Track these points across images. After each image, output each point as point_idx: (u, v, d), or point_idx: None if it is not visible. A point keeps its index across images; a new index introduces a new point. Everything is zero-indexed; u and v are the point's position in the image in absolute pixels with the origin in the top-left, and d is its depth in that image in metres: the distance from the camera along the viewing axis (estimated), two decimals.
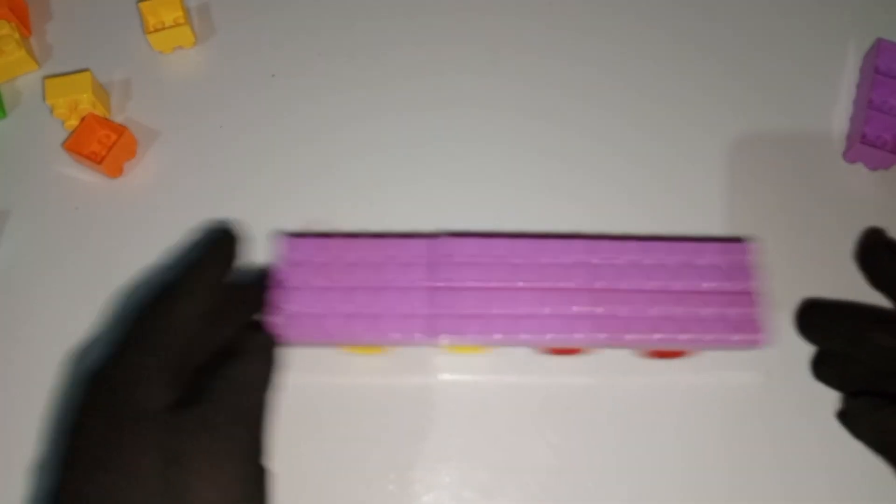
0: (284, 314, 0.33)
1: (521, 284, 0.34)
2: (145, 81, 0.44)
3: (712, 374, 0.37)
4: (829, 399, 0.35)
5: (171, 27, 0.43)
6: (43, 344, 0.37)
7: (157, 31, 0.43)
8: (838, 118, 0.42)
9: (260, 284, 0.34)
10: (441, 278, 0.34)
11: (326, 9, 0.45)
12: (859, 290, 0.37)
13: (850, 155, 0.41)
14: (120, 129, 0.40)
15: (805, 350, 0.36)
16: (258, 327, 0.33)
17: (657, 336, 0.33)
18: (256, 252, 0.39)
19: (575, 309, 0.34)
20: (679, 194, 0.40)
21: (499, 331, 0.33)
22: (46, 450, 0.35)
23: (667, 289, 0.34)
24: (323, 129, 0.42)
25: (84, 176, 0.41)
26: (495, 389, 0.36)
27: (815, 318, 0.34)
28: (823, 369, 0.35)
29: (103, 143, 0.40)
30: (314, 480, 0.34)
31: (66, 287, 0.38)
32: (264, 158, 0.41)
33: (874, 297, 0.36)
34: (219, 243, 0.32)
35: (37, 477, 0.35)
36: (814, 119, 0.42)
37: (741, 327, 0.33)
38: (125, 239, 0.40)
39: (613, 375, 0.36)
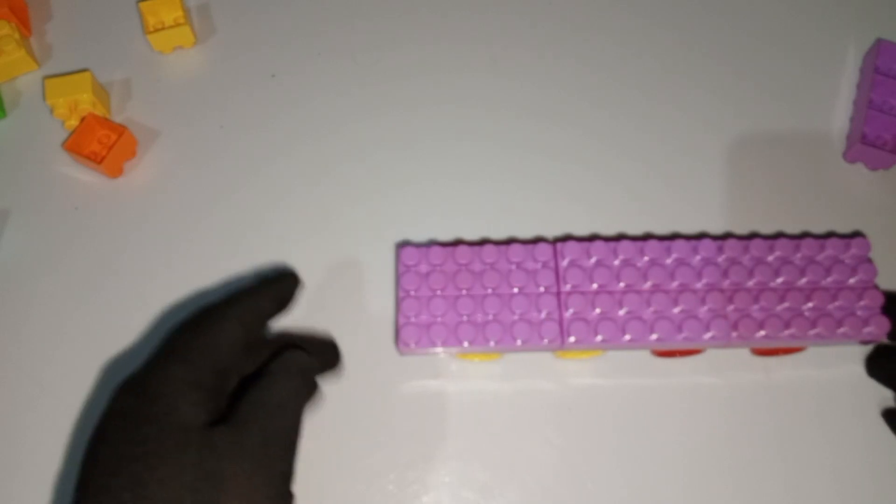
0: (413, 324, 0.34)
1: (649, 286, 0.35)
2: (145, 81, 0.44)
3: (714, 372, 0.37)
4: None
5: (171, 27, 0.43)
6: (43, 343, 0.37)
7: (157, 31, 0.43)
8: (839, 118, 0.42)
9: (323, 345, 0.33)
10: (569, 282, 0.34)
11: (326, 9, 0.45)
12: None
13: (850, 155, 0.41)
14: (120, 130, 0.40)
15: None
16: (292, 348, 0.32)
17: (788, 332, 0.34)
18: (256, 251, 0.39)
19: (705, 308, 0.34)
20: (679, 193, 0.40)
21: (629, 332, 0.34)
22: (66, 452, 0.35)
23: (793, 285, 0.35)
24: (323, 129, 0.42)
25: (84, 176, 0.41)
26: (495, 390, 0.36)
27: (888, 309, 0.34)
28: (878, 366, 0.35)
29: (103, 143, 0.40)
30: (315, 480, 0.34)
31: (65, 286, 0.39)
32: (264, 159, 0.41)
33: None
34: (281, 282, 0.32)
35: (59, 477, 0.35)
36: (814, 119, 0.42)
37: (868, 322, 0.34)
38: (125, 239, 0.40)
39: (614, 376, 0.36)
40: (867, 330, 0.34)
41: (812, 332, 0.34)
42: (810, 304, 0.34)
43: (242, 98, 0.43)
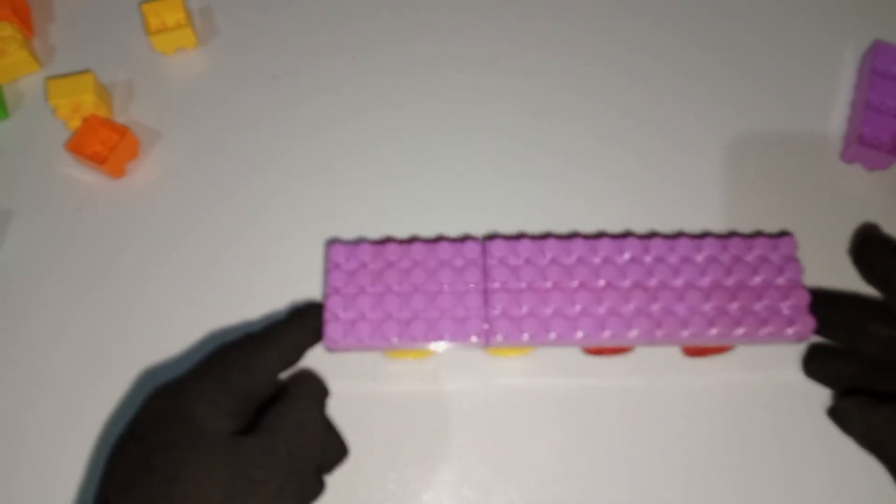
0: (341, 321, 0.34)
1: (575, 284, 0.35)
2: (147, 82, 0.44)
3: (715, 375, 0.37)
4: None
5: (173, 28, 0.43)
6: (44, 343, 0.37)
7: (159, 32, 0.43)
8: (836, 119, 0.43)
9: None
10: (495, 280, 0.34)
11: (328, 10, 0.46)
12: (857, 288, 0.37)
13: (847, 155, 0.41)
14: (122, 130, 0.40)
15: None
16: (308, 375, 0.34)
17: (713, 331, 0.34)
18: (256, 251, 0.39)
19: (631, 307, 0.34)
20: (678, 193, 0.41)
21: (554, 330, 0.34)
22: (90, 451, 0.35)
23: (720, 284, 0.35)
24: (325, 130, 0.42)
25: (86, 176, 0.41)
26: (495, 389, 0.36)
27: (815, 308, 0.35)
28: (814, 367, 0.35)
29: (106, 144, 0.40)
30: None
31: (68, 287, 0.39)
32: (266, 159, 0.42)
33: (877, 295, 0.36)
34: (316, 315, 0.34)
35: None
36: (812, 119, 0.43)
37: (794, 321, 0.34)
38: (127, 239, 0.40)
39: (614, 375, 0.37)
40: (793, 329, 0.34)
41: (738, 332, 0.34)
42: (736, 304, 0.34)
43: (244, 99, 0.43)
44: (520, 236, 0.37)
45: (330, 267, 0.35)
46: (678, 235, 0.36)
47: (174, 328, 0.38)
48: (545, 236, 0.36)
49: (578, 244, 0.35)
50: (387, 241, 0.36)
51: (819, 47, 0.45)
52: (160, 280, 0.39)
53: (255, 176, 0.41)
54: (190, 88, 0.44)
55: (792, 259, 0.35)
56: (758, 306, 0.34)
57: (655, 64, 0.44)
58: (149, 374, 0.37)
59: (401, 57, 0.44)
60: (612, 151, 0.42)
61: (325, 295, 0.34)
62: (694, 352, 0.36)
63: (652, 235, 0.36)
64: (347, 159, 0.42)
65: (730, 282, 0.35)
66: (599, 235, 0.36)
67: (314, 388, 0.32)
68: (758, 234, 0.37)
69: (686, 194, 0.41)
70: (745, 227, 0.39)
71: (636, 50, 0.44)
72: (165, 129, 0.42)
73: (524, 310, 0.34)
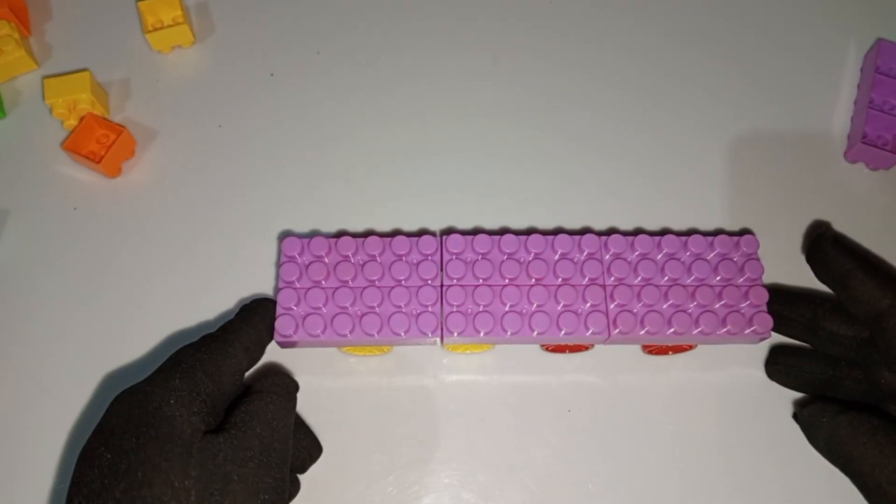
0: (293, 315, 0.33)
1: (532, 281, 0.34)
2: (144, 81, 0.44)
3: (717, 370, 0.36)
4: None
5: (169, 26, 0.43)
6: (41, 342, 0.37)
7: (155, 30, 0.43)
8: (839, 118, 0.42)
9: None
10: (451, 276, 0.34)
11: (325, 8, 0.45)
12: None
13: (851, 154, 0.41)
14: (118, 129, 0.40)
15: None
16: (276, 371, 0.33)
17: (671, 331, 0.33)
18: (256, 251, 0.39)
19: (588, 304, 0.34)
20: (681, 193, 0.40)
21: (510, 328, 0.33)
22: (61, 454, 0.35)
23: (679, 282, 0.34)
24: (322, 129, 0.42)
25: (83, 176, 0.41)
26: (495, 390, 0.36)
27: (773, 303, 0.34)
28: (775, 370, 0.35)
29: (102, 143, 0.40)
30: (314, 481, 0.34)
31: (64, 286, 0.38)
32: (263, 158, 0.41)
33: None
34: (270, 309, 0.34)
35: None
36: (815, 119, 0.42)
37: (752, 320, 0.34)
38: (124, 238, 0.39)
39: (613, 374, 0.36)
40: (752, 329, 0.34)
41: (696, 331, 0.33)
42: (695, 302, 0.34)
43: (241, 97, 0.43)
44: (477, 232, 0.36)
45: (283, 260, 0.34)
46: (638, 233, 0.36)
47: (172, 327, 0.37)
48: (502, 232, 0.36)
49: (536, 240, 0.35)
50: (342, 234, 0.35)
51: (822, 47, 0.44)
52: (157, 279, 0.38)
53: (254, 174, 0.41)
54: (187, 86, 0.43)
55: (753, 258, 0.35)
56: (717, 305, 0.34)
57: (659, 63, 0.44)
58: (143, 376, 0.36)
59: (402, 53, 0.44)
60: (616, 148, 0.41)
61: (277, 289, 0.34)
62: (655, 350, 0.36)
63: (612, 232, 0.35)
64: (347, 158, 0.41)
65: (689, 280, 0.34)
66: (557, 232, 0.36)
67: (283, 384, 0.31)
68: (719, 232, 0.37)
69: (688, 194, 0.40)
70: (747, 225, 0.39)
71: (642, 49, 0.44)
72: (162, 128, 0.42)
73: (480, 306, 0.34)
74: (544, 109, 0.43)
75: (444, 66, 0.44)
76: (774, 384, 0.36)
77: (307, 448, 0.33)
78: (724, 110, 0.42)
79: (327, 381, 0.36)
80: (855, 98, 0.43)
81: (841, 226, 0.39)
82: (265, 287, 0.38)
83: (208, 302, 0.38)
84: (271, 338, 0.33)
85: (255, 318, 0.33)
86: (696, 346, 0.36)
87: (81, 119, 0.40)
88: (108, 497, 0.25)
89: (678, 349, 0.36)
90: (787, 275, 0.38)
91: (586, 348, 0.36)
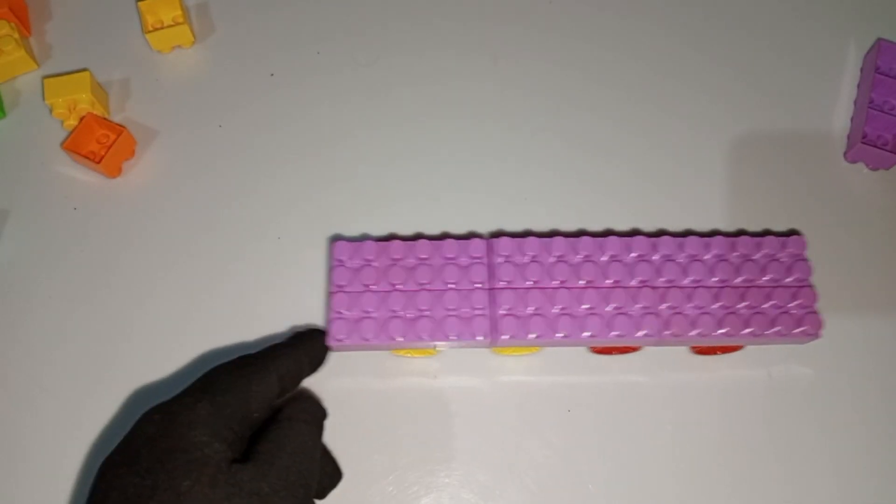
0: (346, 319, 0.33)
1: (583, 283, 0.34)
2: (144, 81, 0.44)
3: (716, 371, 0.36)
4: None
5: (169, 26, 0.43)
6: (41, 343, 0.37)
7: (155, 30, 0.43)
8: (839, 118, 0.42)
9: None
10: (502, 279, 0.34)
11: (325, 8, 0.45)
12: (862, 287, 0.37)
13: (851, 155, 0.41)
14: (118, 129, 0.40)
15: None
16: (306, 396, 0.33)
17: (721, 331, 0.34)
18: (256, 251, 0.39)
19: (639, 306, 0.34)
20: (680, 193, 0.40)
21: (562, 330, 0.33)
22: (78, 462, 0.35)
23: (728, 283, 0.35)
24: (322, 129, 0.42)
25: (83, 176, 0.41)
26: (495, 390, 0.36)
27: None
28: None
29: (102, 143, 0.40)
30: None
31: (64, 286, 0.38)
32: (263, 158, 0.41)
33: (880, 294, 0.35)
34: (316, 342, 0.33)
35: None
36: (815, 119, 0.42)
37: (803, 321, 0.34)
38: (124, 239, 0.39)
39: (613, 374, 0.36)
40: (801, 329, 0.34)
41: (746, 331, 0.34)
42: (745, 303, 0.34)
43: (241, 97, 0.43)
44: (526, 234, 0.37)
45: (333, 264, 0.35)
46: (687, 234, 0.36)
47: (172, 328, 0.37)
48: (552, 234, 0.36)
49: (586, 242, 0.35)
50: (391, 238, 0.35)
51: (822, 46, 0.44)
52: (157, 280, 0.38)
53: (254, 175, 0.41)
54: (187, 86, 0.43)
55: (801, 258, 0.35)
56: (766, 306, 0.34)
57: (661, 64, 0.44)
58: (143, 377, 0.36)
59: (402, 53, 0.44)
60: (616, 150, 0.41)
61: (329, 293, 0.34)
62: (703, 350, 0.36)
63: (661, 234, 0.35)
64: (348, 157, 0.41)
65: (738, 281, 0.35)
66: (607, 234, 0.36)
67: (312, 411, 0.31)
68: (767, 233, 0.37)
69: (690, 194, 0.40)
70: (749, 225, 0.39)
71: (644, 50, 0.44)
72: (162, 128, 0.42)
73: (531, 308, 0.34)
74: (545, 110, 0.42)
75: (445, 66, 0.44)
76: (779, 387, 0.36)
77: (329, 475, 0.32)
78: (725, 111, 0.42)
79: (328, 382, 0.36)
80: (855, 98, 0.43)
81: (841, 226, 0.39)
82: (265, 287, 0.38)
83: (208, 302, 0.38)
84: (313, 371, 0.33)
85: (300, 349, 0.32)
86: (744, 346, 0.36)
87: (81, 119, 0.40)
88: None
89: (726, 349, 0.36)
90: None
91: (635, 349, 0.36)
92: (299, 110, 0.43)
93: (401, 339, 0.33)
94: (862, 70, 0.43)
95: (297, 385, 0.32)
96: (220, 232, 0.40)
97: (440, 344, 0.34)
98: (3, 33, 0.42)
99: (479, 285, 0.34)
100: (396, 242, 0.35)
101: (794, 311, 0.34)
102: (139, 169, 0.41)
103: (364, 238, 0.36)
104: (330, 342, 0.33)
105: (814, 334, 0.34)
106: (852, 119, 0.42)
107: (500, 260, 0.35)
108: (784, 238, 0.36)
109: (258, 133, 0.42)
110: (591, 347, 0.36)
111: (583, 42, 0.44)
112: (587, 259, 0.35)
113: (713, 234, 0.36)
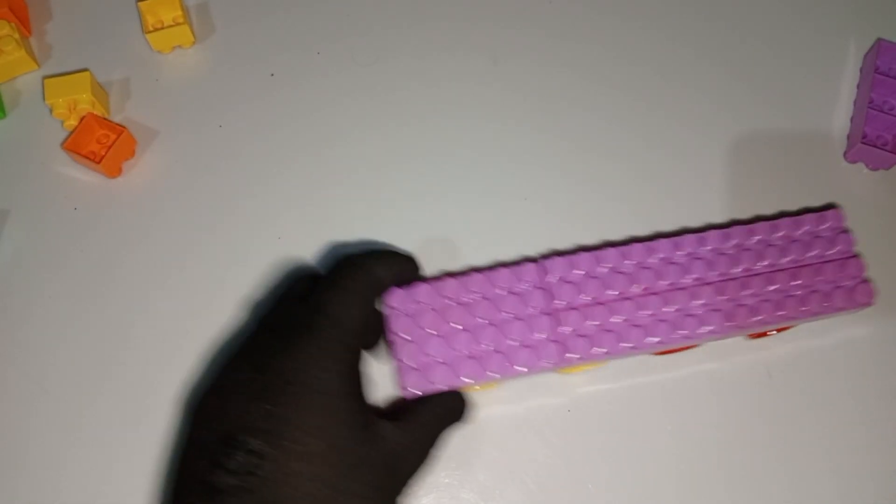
0: (416, 367, 0.32)
1: (641, 289, 0.34)
2: (144, 81, 0.44)
3: (717, 361, 0.36)
4: None
5: (170, 26, 0.43)
6: (42, 342, 0.37)
7: (156, 30, 0.43)
8: (839, 118, 0.42)
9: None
10: (561, 299, 0.34)
11: (325, 8, 0.45)
12: None
13: (851, 155, 0.41)
14: (119, 129, 0.40)
15: None
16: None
17: (781, 314, 0.34)
18: (257, 251, 0.39)
19: (699, 302, 0.34)
20: (680, 193, 0.40)
21: (629, 340, 0.33)
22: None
23: (778, 266, 0.35)
24: (322, 129, 0.42)
25: (83, 176, 0.41)
26: (495, 390, 0.36)
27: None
28: None
29: (102, 143, 0.40)
30: None
31: (64, 287, 0.38)
32: (264, 158, 0.41)
33: (880, 294, 0.35)
34: (402, 260, 0.33)
35: None
36: (815, 119, 0.42)
37: (855, 291, 0.34)
38: (124, 239, 0.39)
39: (613, 376, 0.36)
40: (855, 299, 0.34)
41: (804, 309, 0.34)
42: (798, 282, 0.35)
43: (241, 97, 0.43)
44: (576, 250, 0.36)
45: (389, 313, 0.33)
46: (731, 224, 0.36)
47: (172, 327, 0.37)
48: (601, 246, 0.36)
49: (636, 249, 0.35)
50: (443, 277, 0.34)
51: (821, 47, 0.44)
52: (157, 280, 0.38)
53: (254, 175, 0.41)
54: (187, 87, 0.43)
55: (842, 230, 0.36)
56: (818, 281, 0.35)
57: (661, 64, 0.44)
58: (143, 376, 0.36)
59: (402, 54, 0.44)
60: (615, 150, 0.42)
61: (389, 343, 0.33)
62: (759, 334, 0.36)
63: (707, 228, 0.36)
64: (349, 157, 0.41)
65: (787, 262, 0.35)
66: (654, 237, 0.36)
67: (457, 414, 0.32)
68: (804, 211, 0.37)
69: (687, 194, 0.40)
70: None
71: (644, 50, 0.44)
72: (162, 128, 0.42)
73: (593, 324, 0.33)
74: (546, 110, 0.42)
75: (444, 66, 0.44)
76: (778, 380, 0.36)
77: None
78: (724, 111, 0.42)
79: None
80: (855, 98, 0.43)
81: None
82: (265, 287, 0.38)
83: (209, 302, 0.38)
84: (397, 282, 0.33)
85: (381, 258, 0.32)
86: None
87: (82, 119, 0.40)
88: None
89: (780, 328, 0.36)
90: None
91: (694, 346, 0.36)
92: (299, 110, 0.43)
93: (471, 380, 0.32)
94: (862, 70, 0.43)
95: (377, 294, 0.32)
96: (220, 232, 0.40)
97: (510, 377, 0.33)
98: (4, 33, 0.42)
99: (539, 310, 0.34)
100: (449, 280, 0.34)
101: (846, 283, 0.35)
102: (139, 169, 0.41)
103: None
104: (406, 394, 0.32)
105: (867, 302, 0.35)
106: (852, 119, 0.42)
107: (554, 280, 0.34)
108: (822, 213, 0.36)
109: (258, 133, 0.42)
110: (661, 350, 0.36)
111: (583, 42, 0.44)
112: (639, 265, 0.35)
113: (756, 220, 0.36)
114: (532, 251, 0.38)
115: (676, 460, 0.35)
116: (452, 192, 0.40)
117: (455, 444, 0.35)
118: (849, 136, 0.42)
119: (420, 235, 0.39)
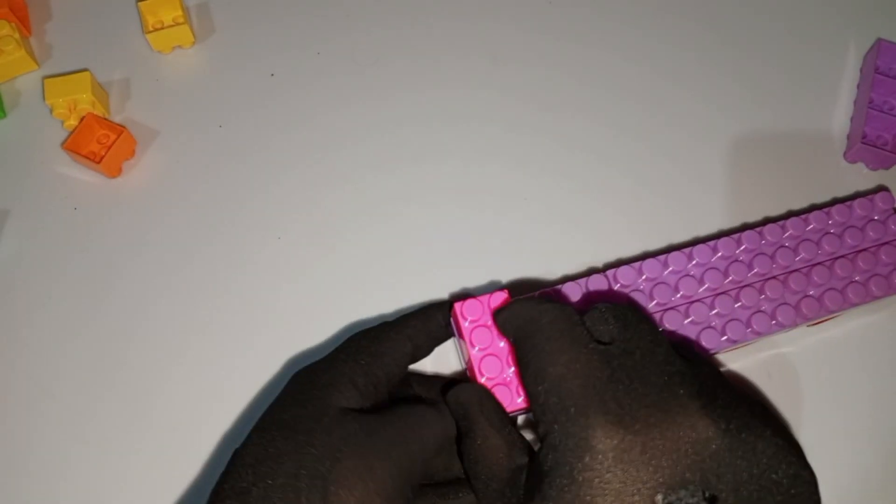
0: (504, 381, 0.31)
1: (705, 291, 0.34)
2: (144, 81, 0.44)
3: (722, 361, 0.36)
4: None
5: (170, 26, 0.43)
6: (42, 342, 0.37)
7: (156, 30, 0.43)
8: (839, 118, 0.42)
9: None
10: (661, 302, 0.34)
11: (325, 8, 0.45)
12: None
13: (851, 155, 0.41)
14: (119, 129, 0.40)
15: None
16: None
17: (847, 301, 0.34)
18: (257, 250, 0.39)
19: (766, 295, 0.34)
20: (680, 194, 0.40)
21: (701, 341, 0.33)
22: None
23: (838, 254, 0.35)
24: (322, 129, 0.42)
25: (83, 176, 0.41)
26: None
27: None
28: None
29: (102, 143, 0.40)
30: None
31: (64, 287, 0.38)
32: (264, 158, 0.41)
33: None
34: (437, 309, 0.33)
35: None
36: (815, 119, 0.42)
37: None
38: (124, 239, 0.39)
39: None
40: None
41: (869, 294, 0.35)
42: (860, 266, 0.35)
43: (242, 97, 0.43)
44: (644, 257, 0.35)
45: (466, 326, 0.32)
46: (788, 215, 0.37)
47: (171, 327, 0.37)
48: (667, 251, 0.36)
49: (700, 250, 0.35)
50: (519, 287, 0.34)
51: (821, 47, 0.44)
52: (157, 280, 0.38)
53: (254, 175, 0.41)
54: (187, 87, 0.43)
55: (893, 212, 0.36)
56: (878, 263, 0.35)
57: (660, 65, 0.44)
58: (143, 376, 0.36)
59: (402, 54, 0.44)
60: (614, 152, 0.41)
61: (472, 358, 0.31)
62: (817, 322, 0.37)
63: (766, 222, 0.36)
64: (349, 156, 0.41)
65: (845, 249, 0.35)
66: (718, 236, 0.36)
67: (458, 400, 0.30)
68: (855, 196, 0.37)
69: (687, 195, 0.40)
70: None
71: (644, 51, 0.44)
72: (162, 128, 0.42)
73: (676, 326, 0.33)
74: (545, 110, 0.42)
75: (444, 66, 0.44)
76: (778, 380, 0.36)
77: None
78: (724, 111, 0.42)
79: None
80: (855, 98, 0.43)
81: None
82: (266, 286, 0.38)
83: (208, 301, 0.38)
84: (443, 333, 0.33)
85: (431, 309, 0.33)
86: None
87: (82, 119, 0.40)
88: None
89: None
90: None
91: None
92: (299, 110, 0.43)
93: None
94: (862, 70, 0.43)
95: (430, 343, 0.33)
96: (220, 232, 0.40)
97: None
98: (4, 33, 0.42)
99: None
100: (542, 294, 0.33)
101: None
102: (139, 169, 0.41)
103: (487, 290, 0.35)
104: (508, 409, 0.31)
105: None
106: (852, 119, 0.42)
107: (622, 290, 0.34)
108: (872, 196, 0.37)
109: (258, 133, 0.42)
110: None
111: (582, 43, 0.44)
112: (706, 267, 0.35)
113: (811, 209, 0.36)
114: (537, 254, 0.38)
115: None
116: (452, 192, 0.40)
117: None
118: (849, 136, 0.42)
119: (420, 235, 0.39)
